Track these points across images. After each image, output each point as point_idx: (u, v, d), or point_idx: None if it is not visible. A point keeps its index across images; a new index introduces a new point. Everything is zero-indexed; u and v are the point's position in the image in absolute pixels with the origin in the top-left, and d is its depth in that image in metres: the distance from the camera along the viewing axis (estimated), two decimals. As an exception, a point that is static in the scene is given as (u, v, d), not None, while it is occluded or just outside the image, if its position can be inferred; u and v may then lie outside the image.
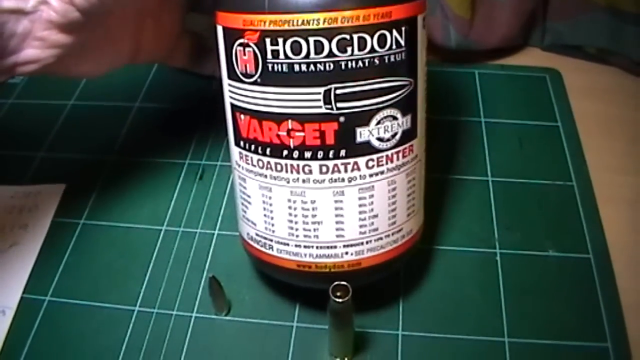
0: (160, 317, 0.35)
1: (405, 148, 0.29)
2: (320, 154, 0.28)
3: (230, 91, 0.29)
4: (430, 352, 0.33)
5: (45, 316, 0.35)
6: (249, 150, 0.29)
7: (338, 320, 0.30)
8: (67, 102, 0.48)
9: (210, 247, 0.38)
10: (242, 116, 0.29)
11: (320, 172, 0.28)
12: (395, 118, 0.28)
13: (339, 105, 0.27)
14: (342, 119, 0.27)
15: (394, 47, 0.27)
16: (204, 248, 0.38)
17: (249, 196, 0.31)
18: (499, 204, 0.40)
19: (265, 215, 0.30)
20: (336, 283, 0.28)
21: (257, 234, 0.31)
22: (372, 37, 0.26)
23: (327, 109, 0.27)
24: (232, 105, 0.29)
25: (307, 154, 0.28)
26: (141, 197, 0.41)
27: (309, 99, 0.27)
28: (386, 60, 0.27)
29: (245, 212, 0.32)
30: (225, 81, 0.29)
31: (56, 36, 0.29)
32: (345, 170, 0.28)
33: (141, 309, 0.35)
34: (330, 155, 0.28)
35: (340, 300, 0.28)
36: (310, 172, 0.28)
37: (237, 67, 0.28)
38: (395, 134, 0.29)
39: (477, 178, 0.41)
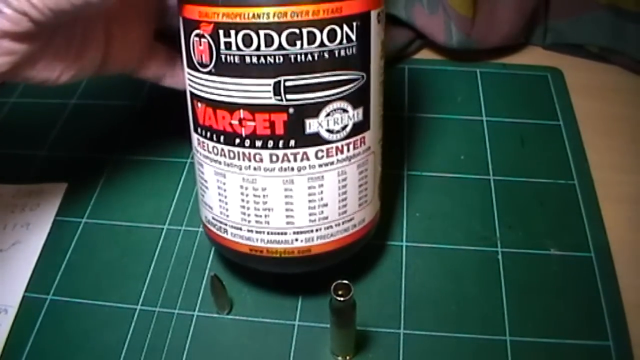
0: (162, 316, 0.35)
1: (357, 140, 0.30)
2: (270, 144, 0.28)
3: (189, 80, 0.30)
4: (432, 350, 0.33)
5: (47, 315, 0.35)
6: (205, 137, 0.30)
7: (340, 319, 0.30)
8: (69, 101, 0.48)
9: (212, 245, 0.38)
10: (199, 104, 0.30)
11: (271, 161, 0.29)
12: (345, 111, 0.29)
13: (288, 96, 0.27)
14: (291, 110, 0.28)
15: (344, 41, 0.27)
16: (206, 247, 0.38)
17: (206, 181, 0.31)
18: (500, 202, 0.40)
19: (220, 200, 0.31)
20: (337, 281, 0.28)
21: (213, 218, 0.32)
22: (321, 32, 0.27)
23: (276, 100, 0.28)
24: (191, 93, 0.30)
25: (258, 143, 0.28)
26: (143, 196, 0.41)
27: (259, 90, 0.27)
28: (336, 54, 0.27)
29: (203, 196, 0.32)
30: (186, 70, 0.30)
31: (9, 44, 0.28)
32: (295, 160, 0.29)
33: (143, 308, 0.35)
34: (280, 145, 0.28)
35: (342, 298, 0.28)
36: (261, 160, 0.29)
37: (194, 57, 0.29)
38: (346, 126, 0.29)
39: (478, 177, 0.41)
